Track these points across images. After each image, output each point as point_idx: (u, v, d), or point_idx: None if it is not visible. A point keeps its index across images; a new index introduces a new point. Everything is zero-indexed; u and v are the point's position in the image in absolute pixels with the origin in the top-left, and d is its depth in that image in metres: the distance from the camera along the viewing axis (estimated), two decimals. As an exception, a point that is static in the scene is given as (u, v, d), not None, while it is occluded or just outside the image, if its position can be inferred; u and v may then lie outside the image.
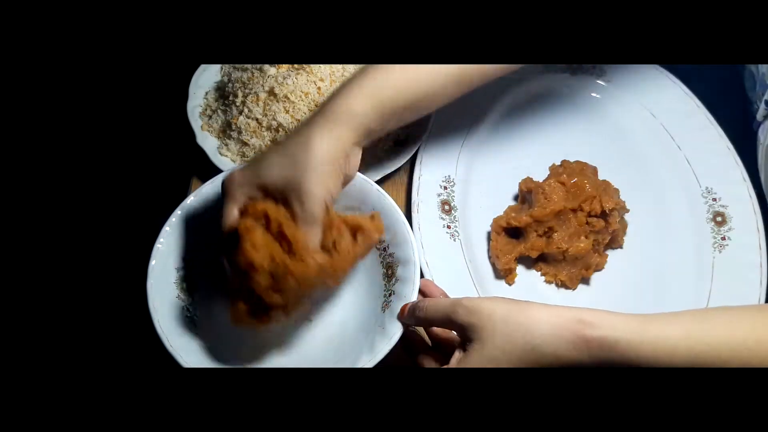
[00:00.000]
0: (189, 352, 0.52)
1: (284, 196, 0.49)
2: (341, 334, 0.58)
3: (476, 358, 0.44)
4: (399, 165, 0.66)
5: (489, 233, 0.64)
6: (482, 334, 0.44)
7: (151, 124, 0.71)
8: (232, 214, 0.50)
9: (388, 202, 0.57)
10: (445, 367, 0.46)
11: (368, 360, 0.51)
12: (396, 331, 0.52)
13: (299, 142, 0.49)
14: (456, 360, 0.46)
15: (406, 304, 0.52)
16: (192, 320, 0.55)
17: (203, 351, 0.54)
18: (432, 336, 0.54)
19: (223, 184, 0.51)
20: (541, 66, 0.72)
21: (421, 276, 0.60)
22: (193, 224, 0.58)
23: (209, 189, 0.58)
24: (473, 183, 0.67)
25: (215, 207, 0.58)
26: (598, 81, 0.73)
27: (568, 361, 0.42)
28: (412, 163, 0.66)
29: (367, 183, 0.58)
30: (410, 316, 0.51)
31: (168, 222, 0.56)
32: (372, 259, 0.59)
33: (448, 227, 0.64)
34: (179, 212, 0.57)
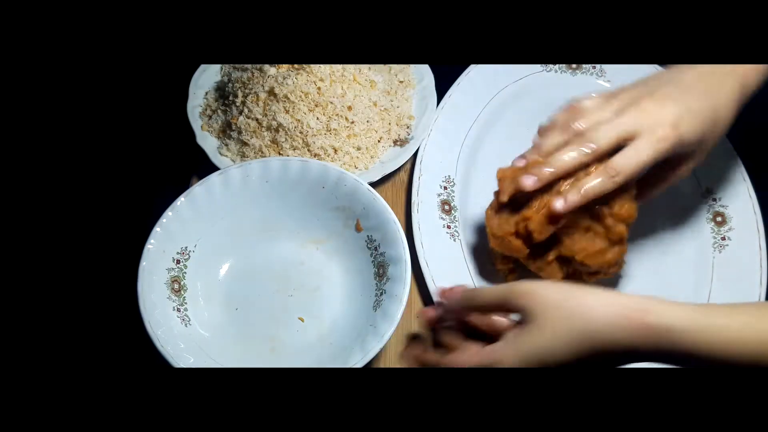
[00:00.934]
0: (180, 352, 0.52)
1: None
2: (332, 333, 0.58)
3: (529, 340, 0.43)
4: (399, 165, 0.66)
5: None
6: (537, 319, 0.43)
7: (151, 124, 0.70)
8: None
9: (379, 202, 0.57)
10: (500, 342, 0.44)
11: (360, 359, 0.51)
12: (387, 330, 0.52)
13: None
14: (513, 334, 0.44)
15: (450, 288, 0.48)
16: (183, 321, 0.55)
17: (194, 351, 0.54)
18: (470, 325, 0.50)
19: None
20: (541, 66, 0.72)
21: (421, 275, 0.60)
22: (183, 224, 0.58)
23: (200, 190, 0.58)
24: (473, 183, 0.67)
25: (207, 207, 0.58)
26: (598, 81, 0.73)
27: (624, 348, 0.41)
28: (412, 163, 0.66)
29: (357, 182, 0.58)
30: (464, 301, 0.47)
31: (159, 223, 0.56)
32: (363, 259, 0.59)
33: (448, 227, 0.64)
34: (170, 213, 0.57)
